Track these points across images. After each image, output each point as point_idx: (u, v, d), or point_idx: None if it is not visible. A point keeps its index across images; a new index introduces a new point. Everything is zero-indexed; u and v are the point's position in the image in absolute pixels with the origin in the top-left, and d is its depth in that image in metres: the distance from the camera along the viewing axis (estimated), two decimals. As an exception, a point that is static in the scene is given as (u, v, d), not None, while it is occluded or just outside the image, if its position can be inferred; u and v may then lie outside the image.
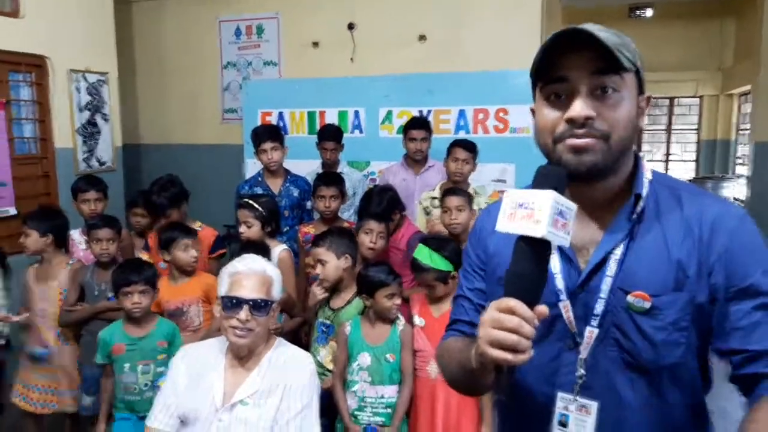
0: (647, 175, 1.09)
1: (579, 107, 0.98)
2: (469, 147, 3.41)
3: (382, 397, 2.34)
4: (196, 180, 4.96)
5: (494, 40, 4.95)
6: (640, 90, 1.05)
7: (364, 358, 2.33)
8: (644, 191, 1.06)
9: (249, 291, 1.78)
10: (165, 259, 2.76)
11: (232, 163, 5.22)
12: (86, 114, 4.83)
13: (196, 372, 1.85)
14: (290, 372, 1.82)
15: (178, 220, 3.12)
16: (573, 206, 0.91)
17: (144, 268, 2.54)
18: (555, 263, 1.08)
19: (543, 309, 0.90)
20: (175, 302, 2.71)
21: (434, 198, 3.46)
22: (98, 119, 4.97)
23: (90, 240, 2.91)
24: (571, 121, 0.99)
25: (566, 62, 1.00)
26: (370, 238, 2.78)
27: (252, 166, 4.32)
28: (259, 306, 1.78)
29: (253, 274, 1.81)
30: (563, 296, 1.07)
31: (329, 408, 2.45)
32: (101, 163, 5.00)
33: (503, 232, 0.92)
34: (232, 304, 1.77)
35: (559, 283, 1.07)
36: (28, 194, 4.25)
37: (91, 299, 2.87)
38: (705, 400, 1.11)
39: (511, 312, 0.88)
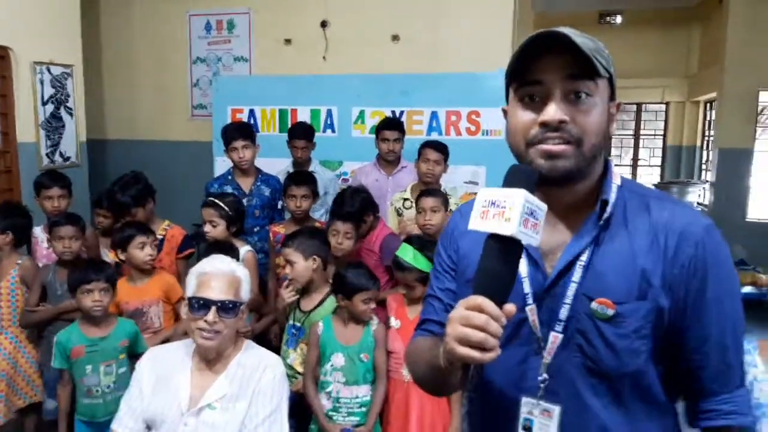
0: (616, 181, 1.10)
1: (553, 111, 0.99)
2: (440, 148, 3.41)
3: (357, 396, 2.33)
4: (165, 177, 4.85)
5: (467, 42, 4.97)
6: (612, 96, 1.07)
7: (338, 359, 2.31)
8: (612, 197, 1.06)
9: (217, 292, 1.74)
10: (120, 259, 2.69)
11: (202, 160, 5.12)
12: (50, 107, 4.69)
13: (162, 375, 1.80)
14: (259, 375, 1.79)
15: (144, 219, 3.04)
16: (543, 207, 0.92)
17: (103, 266, 2.48)
18: (522, 267, 1.07)
19: (511, 308, 0.90)
20: (134, 303, 2.66)
21: (405, 199, 3.45)
22: (62, 113, 4.83)
23: (52, 238, 2.83)
24: (544, 125, 0.99)
25: (542, 65, 1.00)
26: (336, 239, 2.77)
27: (222, 164, 4.25)
28: (227, 307, 1.74)
29: (222, 275, 1.77)
30: (530, 300, 1.07)
31: (298, 410, 2.43)
32: (65, 159, 4.86)
33: (475, 232, 0.92)
34: (199, 305, 1.73)
35: (526, 287, 1.07)
36: (-13, 189, 4.12)
37: (54, 299, 2.79)
38: (674, 408, 1.11)
39: (480, 309, 0.89)
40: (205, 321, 1.71)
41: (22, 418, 2.92)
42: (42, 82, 4.59)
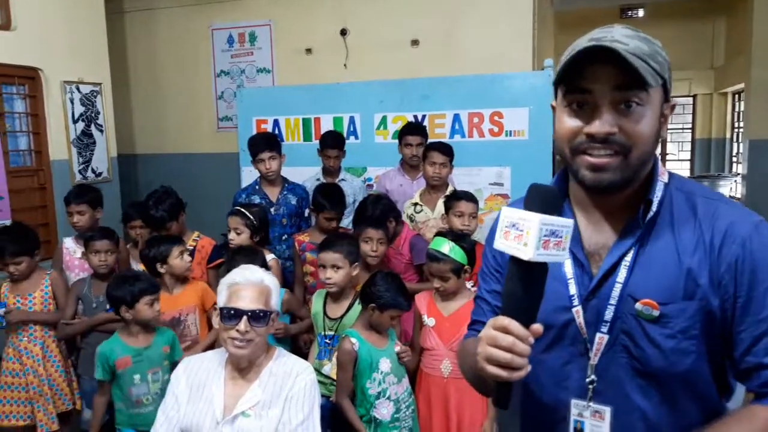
0: (663, 179, 1.07)
1: (599, 124, 0.98)
2: (446, 150, 3.41)
3: (407, 388, 2.39)
4: (193, 189, 4.93)
5: (487, 43, 4.97)
6: (666, 98, 1.04)
7: (385, 364, 2.32)
8: (657, 196, 1.04)
9: (247, 302, 1.77)
10: (160, 271, 2.74)
11: (229, 171, 5.19)
12: (81, 125, 4.83)
13: (196, 384, 1.84)
14: (291, 382, 1.82)
15: (178, 231, 3.11)
16: (568, 223, 0.91)
17: (146, 277, 2.54)
18: (568, 269, 1.07)
19: (537, 328, 0.91)
20: (171, 312, 2.70)
21: (416, 204, 3.46)
22: (93, 130, 4.96)
23: (88, 251, 2.91)
24: (590, 136, 0.99)
25: (591, 74, 0.98)
26: (371, 246, 2.79)
27: (248, 174, 4.30)
28: (258, 317, 1.77)
29: (251, 285, 1.81)
30: (576, 302, 1.06)
31: (334, 422, 2.45)
32: (97, 174, 4.98)
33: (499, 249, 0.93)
34: (231, 315, 1.76)
35: (572, 288, 1.07)
36: (24, 207, 4.25)
37: (89, 311, 2.86)
38: (725, 406, 1.09)
39: (506, 331, 0.90)
40: (237, 330, 1.74)
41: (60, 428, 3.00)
42: (72, 101, 4.72)
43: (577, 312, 1.06)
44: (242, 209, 2.97)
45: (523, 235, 0.88)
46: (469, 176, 4.23)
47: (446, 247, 2.37)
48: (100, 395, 2.47)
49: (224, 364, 1.86)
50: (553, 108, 1.09)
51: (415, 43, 5.19)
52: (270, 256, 2.91)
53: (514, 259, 0.90)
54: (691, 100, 8.49)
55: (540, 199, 0.91)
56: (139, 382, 2.39)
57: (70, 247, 3.26)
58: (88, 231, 3.10)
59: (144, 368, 2.40)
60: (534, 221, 0.87)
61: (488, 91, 4.32)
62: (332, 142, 3.81)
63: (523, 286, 0.91)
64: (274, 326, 1.93)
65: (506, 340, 0.89)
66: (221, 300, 1.82)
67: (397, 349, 2.35)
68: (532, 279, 0.90)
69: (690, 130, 8.62)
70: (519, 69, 4.77)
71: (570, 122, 1.02)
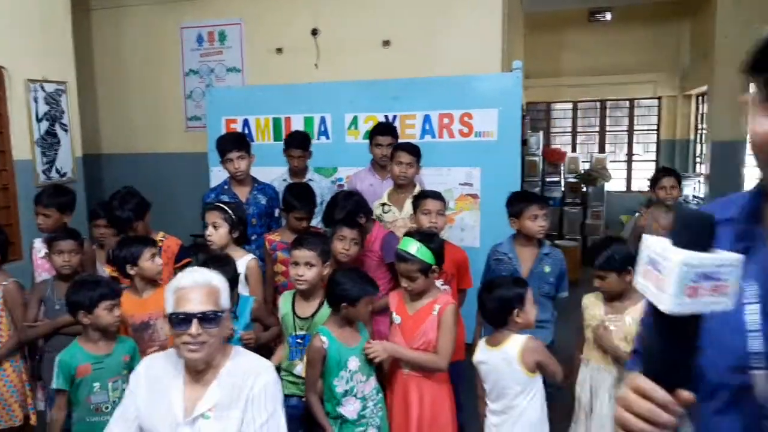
0: None
1: None
2: (413, 150, 3.43)
3: (374, 387, 2.40)
4: (161, 189, 4.89)
5: (458, 45, 5.01)
6: None
7: (353, 362, 2.33)
8: None
9: (196, 304, 1.74)
10: (129, 273, 2.69)
11: (197, 171, 5.15)
12: (45, 124, 4.72)
13: (155, 384, 1.82)
14: (251, 382, 1.79)
15: (143, 232, 3.06)
16: (733, 261, 0.71)
17: (106, 282, 2.49)
18: (753, 316, 0.81)
19: (687, 396, 0.73)
20: (140, 316, 2.65)
21: (383, 203, 3.48)
22: (57, 129, 4.85)
23: (51, 252, 2.85)
24: None
25: None
26: (343, 245, 2.79)
27: (217, 174, 4.28)
28: (209, 318, 1.74)
29: (198, 287, 1.77)
30: (759, 362, 0.80)
31: (307, 420, 2.44)
32: (61, 174, 4.88)
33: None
34: (180, 320, 1.72)
35: (755, 343, 0.80)
36: (-15, 207, 4.14)
37: (52, 314, 2.80)
38: None
39: (643, 394, 0.73)
40: (189, 334, 1.71)
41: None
42: (36, 100, 4.61)
43: (761, 377, 0.80)
44: (220, 204, 2.94)
45: (662, 277, 0.70)
46: (439, 176, 4.28)
47: (413, 247, 2.38)
48: (57, 409, 2.38)
49: (182, 366, 1.82)
50: (745, 103, 0.87)
51: (386, 43, 5.21)
52: (249, 257, 2.88)
53: (653, 306, 0.72)
54: (656, 102, 8.68)
55: (686, 230, 0.71)
56: (99, 390, 2.34)
57: (37, 247, 3.19)
58: (53, 233, 3.04)
59: (104, 376, 2.35)
60: (675, 261, 0.69)
61: (458, 93, 4.37)
62: (296, 143, 3.80)
63: (666, 341, 0.72)
64: (228, 326, 1.88)
65: (643, 407, 0.73)
66: (169, 306, 1.77)
67: (366, 346, 2.36)
68: (679, 332, 0.72)
69: (655, 131, 8.81)
70: (489, 71, 4.83)
71: (766, 124, 0.80)
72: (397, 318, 2.48)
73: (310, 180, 3.78)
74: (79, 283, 2.45)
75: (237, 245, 2.93)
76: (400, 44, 5.17)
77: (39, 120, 4.66)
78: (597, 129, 9.27)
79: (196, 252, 2.94)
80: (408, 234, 2.51)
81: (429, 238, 2.46)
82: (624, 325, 2.38)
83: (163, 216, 3.87)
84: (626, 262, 2.40)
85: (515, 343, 2.25)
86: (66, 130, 4.94)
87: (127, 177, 4.45)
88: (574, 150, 9.17)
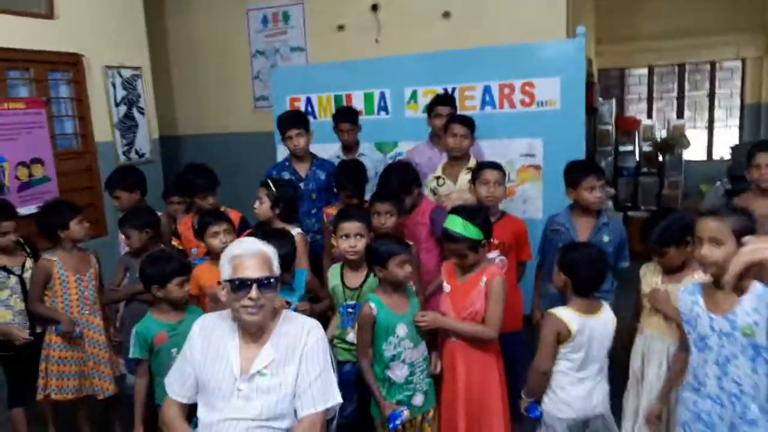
0: None
1: None
2: (466, 122, 3.41)
3: (423, 354, 2.46)
4: (231, 168, 5.10)
5: (518, 12, 4.89)
6: None
7: (401, 329, 2.40)
8: None
9: (253, 271, 1.86)
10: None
11: (265, 149, 5.32)
12: (123, 108, 5.02)
13: (211, 343, 1.95)
14: (304, 340, 1.92)
15: (213, 205, 3.25)
16: None
17: (177, 258, 2.65)
18: None
19: None
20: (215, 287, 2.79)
21: (437, 177, 3.48)
22: (135, 112, 5.15)
23: (121, 230, 3.16)
24: None
25: None
26: (380, 219, 2.85)
27: (284, 151, 4.40)
28: (266, 283, 1.87)
29: (253, 255, 1.90)
30: None
31: (361, 383, 2.55)
32: (140, 155, 5.18)
33: None
34: (241, 285, 1.85)
35: None
36: (71, 188, 4.47)
37: (131, 281, 3.06)
38: None
39: None
40: (250, 298, 1.84)
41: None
42: (114, 85, 4.91)
43: None
44: (269, 180, 3.07)
45: None
46: (500, 148, 4.22)
47: (459, 225, 2.39)
48: (139, 376, 2.55)
49: (236, 327, 1.96)
50: None
51: (446, 15, 5.15)
52: (296, 230, 2.99)
53: None
54: (740, 63, 8.14)
55: None
56: (177, 355, 2.49)
57: None
58: (130, 208, 3.32)
59: (180, 342, 2.45)
60: None
61: (519, 62, 4.27)
62: (343, 116, 3.88)
63: None
64: (278, 291, 1.97)
65: None
66: (226, 273, 1.90)
67: (417, 316, 2.42)
68: None
69: (739, 96, 8.28)
70: (553, 37, 4.68)
71: None
72: (447, 287, 2.52)
73: (361, 155, 3.84)
74: (152, 259, 2.62)
75: (283, 220, 3.02)
76: (460, 15, 5.10)
77: (117, 104, 4.96)
78: (675, 94, 8.81)
79: (258, 226, 3.08)
80: (453, 211, 2.50)
81: (474, 213, 2.45)
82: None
83: (233, 192, 4.04)
84: (684, 233, 2.30)
85: (606, 307, 2.33)
86: (143, 113, 5.23)
87: (201, 156, 4.65)
88: (650, 117, 8.77)
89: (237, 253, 1.91)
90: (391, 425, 2.36)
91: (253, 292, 1.84)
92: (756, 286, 1.85)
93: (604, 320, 2.29)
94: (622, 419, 2.53)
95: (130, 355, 2.54)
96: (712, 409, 1.97)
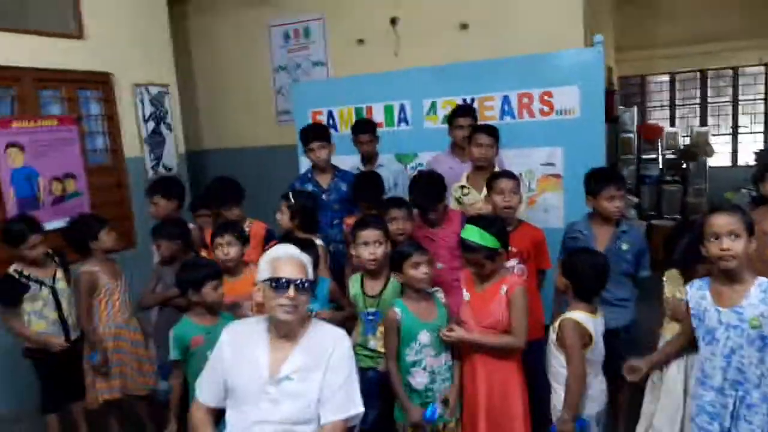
0: None
1: None
2: (491, 132, 3.45)
3: (445, 363, 2.50)
4: (256, 181, 5.18)
5: (536, 23, 4.93)
6: None
7: (424, 336, 2.45)
8: None
9: (292, 273, 1.97)
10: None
11: (288, 162, 5.42)
12: (151, 124, 5.16)
13: (241, 347, 2.03)
14: (332, 348, 1.99)
15: (239, 216, 3.37)
16: None
17: (210, 264, 2.75)
18: None
19: None
20: (230, 297, 2.87)
21: (462, 186, 3.51)
22: (162, 128, 5.29)
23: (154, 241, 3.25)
24: None
25: None
26: (396, 224, 2.90)
27: (306, 164, 4.49)
28: (303, 285, 1.97)
29: (292, 259, 2.02)
30: None
31: (383, 391, 2.60)
32: (167, 169, 5.31)
33: None
34: (280, 284, 1.95)
35: None
36: (102, 202, 4.60)
37: (164, 288, 3.17)
38: None
39: None
40: (288, 297, 1.93)
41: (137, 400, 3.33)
42: (142, 102, 5.05)
43: None
44: (290, 192, 3.17)
45: None
46: (520, 157, 4.24)
47: (476, 235, 2.43)
48: (175, 377, 2.67)
49: (266, 331, 2.04)
50: None
51: (464, 26, 5.22)
52: (317, 242, 3.07)
53: None
54: (763, 69, 8.06)
55: None
56: None
57: None
58: (164, 218, 3.44)
59: (215, 345, 2.59)
60: None
61: (537, 71, 4.30)
62: (362, 128, 3.97)
63: None
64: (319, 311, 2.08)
65: None
66: (266, 273, 2.00)
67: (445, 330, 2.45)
68: None
69: (763, 101, 8.19)
70: (570, 46, 4.71)
71: None
72: (466, 295, 2.55)
73: (380, 166, 3.91)
74: (188, 265, 2.75)
75: (303, 231, 3.10)
76: (478, 26, 5.17)
77: (146, 120, 5.10)
78: (697, 101, 8.75)
79: (284, 236, 3.16)
80: (470, 221, 2.55)
81: (490, 223, 2.49)
82: None
83: (257, 205, 4.13)
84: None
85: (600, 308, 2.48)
86: (170, 129, 5.37)
87: (226, 170, 4.73)
88: (672, 124, 8.72)
89: (276, 255, 2.03)
90: (428, 416, 2.40)
91: (291, 292, 1.93)
92: (761, 279, 1.93)
93: (601, 320, 2.42)
94: (639, 422, 2.57)
95: (170, 357, 2.63)
96: (716, 399, 2.04)
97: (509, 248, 2.61)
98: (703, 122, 8.65)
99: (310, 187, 3.66)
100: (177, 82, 5.50)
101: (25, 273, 3.07)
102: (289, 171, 5.08)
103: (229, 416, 2.01)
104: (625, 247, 2.84)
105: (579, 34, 4.91)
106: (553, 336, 2.42)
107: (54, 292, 3.14)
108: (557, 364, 2.40)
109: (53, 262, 3.22)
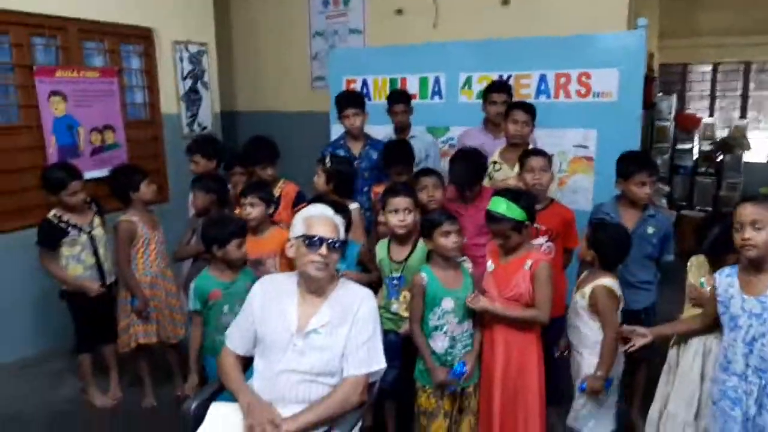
0: None
1: None
2: (528, 109, 3.43)
3: (467, 330, 2.56)
4: (286, 145, 5.23)
5: (579, 3, 4.85)
6: None
7: (448, 303, 2.50)
8: None
9: (324, 231, 2.05)
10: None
11: (320, 128, 5.46)
12: (189, 82, 5.24)
13: (272, 300, 2.11)
14: (357, 306, 2.07)
15: (271, 177, 3.44)
16: None
17: (236, 221, 2.82)
18: None
19: None
20: (254, 254, 2.94)
21: (495, 162, 3.52)
22: (199, 87, 5.37)
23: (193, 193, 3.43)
24: None
25: None
26: (427, 192, 2.94)
27: (337, 131, 4.53)
28: (335, 244, 2.04)
29: (325, 218, 2.09)
30: None
31: (405, 352, 2.68)
32: (202, 128, 5.40)
33: None
34: (313, 242, 2.02)
35: None
36: (138, 155, 4.71)
37: (198, 240, 3.23)
38: None
39: None
40: (320, 254, 2.01)
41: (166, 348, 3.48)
42: (181, 59, 5.12)
43: None
44: (326, 156, 3.22)
45: None
46: (553, 137, 4.22)
47: (503, 206, 2.45)
48: (195, 327, 2.76)
49: (297, 286, 2.11)
50: None
51: (505, 2, 5.15)
52: (354, 205, 3.12)
53: None
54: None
55: None
56: (227, 312, 2.64)
57: None
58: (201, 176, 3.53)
59: (231, 301, 2.65)
60: None
61: (576, 52, 4.26)
62: (397, 98, 3.98)
63: None
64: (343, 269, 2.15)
65: None
66: (299, 230, 2.08)
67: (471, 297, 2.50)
68: None
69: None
70: (614, 29, 4.64)
71: None
72: (490, 266, 2.59)
73: (412, 137, 3.93)
74: (213, 221, 2.82)
75: (338, 195, 3.14)
76: (520, 3, 5.09)
77: (184, 78, 5.18)
78: (739, 93, 8.55)
79: (315, 198, 3.22)
80: (497, 193, 2.56)
81: (518, 196, 2.50)
82: None
83: (287, 170, 4.19)
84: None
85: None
86: (207, 88, 5.44)
87: (257, 132, 4.82)
88: (711, 115, 8.54)
89: (311, 214, 2.11)
90: (458, 371, 2.47)
91: (324, 249, 2.01)
92: None
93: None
94: (652, 404, 2.62)
95: (190, 307, 2.73)
96: (738, 385, 2.08)
97: (538, 226, 2.63)
98: (743, 115, 8.46)
99: (341, 153, 3.70)
100: (216, 41, 5.55)
101: (64, 219, 3.18)
102: (320, 137, 5.12)
103: (256, 364, 2.10)
104: (651, 230, 2.85)
105: (622, 17, 4.82)
106: (583, 302, 2.52)
107: (92, 238, 3.26)
108: (587, 330, 2.51)
109: (91, 210, 3.33)
